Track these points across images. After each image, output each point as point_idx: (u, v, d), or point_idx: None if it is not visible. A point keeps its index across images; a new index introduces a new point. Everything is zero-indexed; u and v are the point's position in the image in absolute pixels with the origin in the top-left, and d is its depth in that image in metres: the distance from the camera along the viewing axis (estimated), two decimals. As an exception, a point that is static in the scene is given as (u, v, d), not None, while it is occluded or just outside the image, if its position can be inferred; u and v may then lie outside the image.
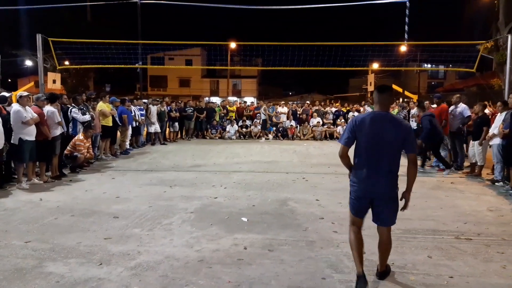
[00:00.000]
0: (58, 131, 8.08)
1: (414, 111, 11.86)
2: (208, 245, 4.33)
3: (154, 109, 14.02)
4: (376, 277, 3.56)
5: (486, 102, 9.85)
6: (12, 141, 7.14)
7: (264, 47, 14.61)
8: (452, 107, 9.60)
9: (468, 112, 9.17)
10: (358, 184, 3.41)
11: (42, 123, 7.50)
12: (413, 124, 11.78)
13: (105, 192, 6.81)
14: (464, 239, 4.59)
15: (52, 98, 8.21)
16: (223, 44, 17.35)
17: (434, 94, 10.43)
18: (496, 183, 7.72)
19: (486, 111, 8.99)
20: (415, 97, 21.63)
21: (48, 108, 7.93)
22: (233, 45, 22.53)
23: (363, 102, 19.05)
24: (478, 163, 8.57)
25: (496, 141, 7.73)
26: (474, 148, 8.57)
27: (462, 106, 9.40)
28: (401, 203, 3.46)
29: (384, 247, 3.51)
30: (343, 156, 3.47)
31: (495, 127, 7.83)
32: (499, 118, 7.82)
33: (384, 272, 3.57)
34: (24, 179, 7.29)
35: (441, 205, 6.17)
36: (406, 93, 24.77)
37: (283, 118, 17.72)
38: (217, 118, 17.25)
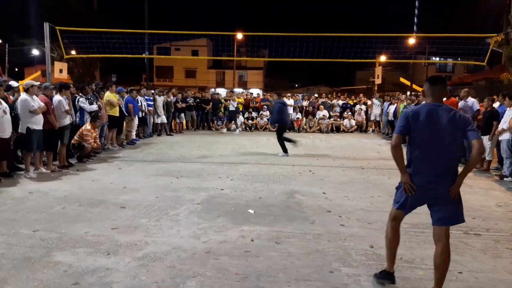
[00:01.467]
0: (67, 120, 8.10)
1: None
2: (215, 236, 4.33)
3: (160, 99, 14.01)
4: None
5: (495, 97, 9.73)
6: (19, 130, 7.17)
7: (271, 38, 14.50)
8: (461, 102, 9.48)
9: (477, 106, 9.05)
10: (416, 178, 3.11)
11: (49, 112, 7.51)
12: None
13: (112, 182, 6.83)
14: (473, 235, 4.55)
15: (61, 87, 8.21)
16: (229, 34, 17.25)
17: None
18: (505, 179, 7.65)
19: (495, 105, 8.88)
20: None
21: (56, 97, 7.95)
22: (239, 35, 22.36)
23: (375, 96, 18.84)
24: (487, 158, 8.49)
25: (506, 136, 7.64)
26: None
27: (471, 100, 9.27)
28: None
29: (443, 256, 3.17)
30: (397, 146, 3.11)
31: (505, 122, 7.74)
32: (509, 113, 7.72)
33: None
34: (31, 168, 7.32)
35: (449, 199, 6.11)
36: (414, 86, 24.56)
37: (290, 110, 17.64)
38: (222, 109, 17.22)
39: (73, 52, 19.78)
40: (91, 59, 26.57)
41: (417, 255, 3.93)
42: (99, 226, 4.61)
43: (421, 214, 5.16)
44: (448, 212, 3.15)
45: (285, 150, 10.32)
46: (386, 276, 3.30)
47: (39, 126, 7.26)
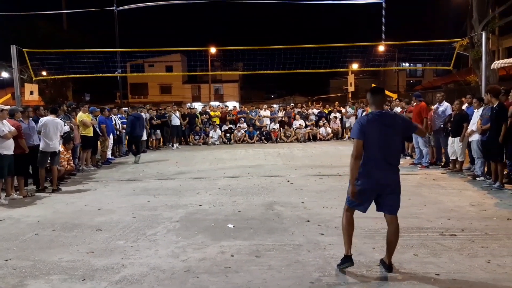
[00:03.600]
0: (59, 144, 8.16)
1: (395, 109, 12.01)
2: (194, 254, 4.27)
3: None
4: (386, 271, 3.65)
5: (464, 99, 10.05)
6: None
7: (244, 51, 14.61)
8: (436, 105, 9.72)
9: (450, 111, 9.28)
10: (367, 178, 3.53)
11: (20, 137, 7.31)
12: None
13: (87, 204, 6.67)
14: (448, 236, 4.64)
15: (54, 109, 8.40)
16: (203, 49, 17.28)
17: (414, 93, 10.60)
18: (477, 178, 7.87)
19: (464, 107, 9.15)
20: (395, 96, 21.92)
21: (57, 120, 8.10)
22: (213, 50, 22.44)
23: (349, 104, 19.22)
24: (459, 159, 8.72)
25: (475, 137, 7.88)
26: (454, 144, 8.71)
27: (445, 105, 9.51)
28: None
29: (395, 235, 3.65)
30: (358, 157, 3.53)
31: (473, 123, 7.98)
32: (477, 114, 7.98)
33: (390, 266, 3.67)
34: (2, 194, 7.08)
35: (425, 202, 6.24)
36: (386, 92, 25.10)
37: (266, 121, 17.75)
38: (199, 124, 17.15)
39: (44, 73, 19.40)
40: (62, 79, 26.10)
41: (395, 259, 3.93)
42: (74, 250, 4.48)
43: (398, 218, 5.25)
44: (394, 203, 3.64)
45: (135, 153, 11.74)
46: (346, 260, 3.66)
47: (10, 151, 7.05)
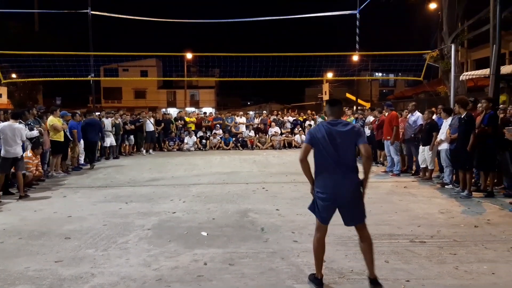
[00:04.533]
0: (21, 149, 7.70)
1: (368, 118, 12.26)
2: (166, 262, 4.20)
3: (108, 122, 13.57)
4: (371, 286, 3.49)
5: (434, 109, 10.37)
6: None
7: (220, 58, 14.64)
8: (409, 115, 9.94)
9: (420, 121, 9.50)
10: (325, 190, 3.54)
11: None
12: (367, 131, 12.19)
13: (56, 212, 6.46)
14: (418, 242, 4.75)
15: (16, 114, 8.01)
16: (179, 55, 17.18)
17: (385, 103, 10.87)
18: (446, 186, 8.10)
19: (434, 117, 9.43)
20: (367, 105, 22.44)
21: (16, 125, 7.66)
22: (189, 55, 22.34)
23: (318, 114, 19.44)
24: (429, 167, 8.96)
25: (444, 146, 8.12)
26: (424, 153, 8.96)
27: (416, 115, 9.73)
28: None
29: (368, 244, 3.61)
30: (303, 159, 3.57)
31: (442, 132, 8.23)
32: (445, 124, 8.23)
33: (377, 279, 3.51)
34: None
35: (396, 209, 6.37)
36: (360, 101, 25.63)
37: (242, 128, 17.76)
38: (174, 129, 16.99)
39: (14, 75, 18.81)
40: (32, 82, 25.38)
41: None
42: (41, 259, 4.32)
43: (370, 225, 5.28)
44: (356, 213, 3.61)
45: (90, 160, 11.84)
46: (316, 282, 3.59)
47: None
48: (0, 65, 12.67)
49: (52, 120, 10.06)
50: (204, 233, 5.18)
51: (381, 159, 11.53)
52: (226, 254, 4.42)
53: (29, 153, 8.45)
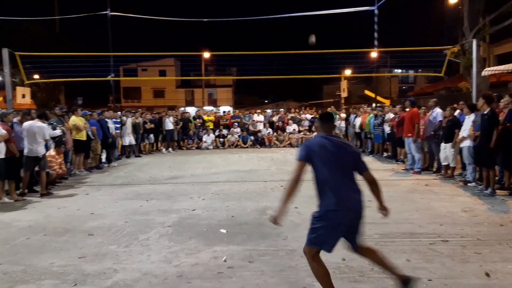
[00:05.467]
0: (44, 148, 7.90)
1: (388, 115, 12.10)
2: (187, 259, 4.25)
3: (129, 121, 13.78)
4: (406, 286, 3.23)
5: (456, 105, 10.15)
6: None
7: (238, 56, 14.67)
8: (430, 112, 9.78)
9: (440, 117, 9.36)
10: (337, 207, 3.12)
11: (9, 140, 7.24)
12: (387, 129, 12.04)
13: (79, 209, 6.61)
14: (440, 241, 4.67)
15: (42, 114, 8.19)
16: (196, 54, 17.30)
17: (408, 99, 10.67)
18: (469, 184, 7.93)
19: (456, 113, 9.24)
20: (387, 102, 22.12)
21: (39, 124, 7.81)
22: (207, 55, 22.47)
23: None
24: (451, 165, 8.79)
25: (467, 143, 7.95)
26: (446, 150, 8.79)
27: (436, 111, 9.59)
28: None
29: (376, 253, 3.33)
30: (298, 179, 3.25)
31: (465, 129, 8.06)
32: (468, 120, 8.06)
33: (404, 275, 3.25)
34: (-8, 198, 7.00)
35: (417, 207, 6.28)
36: (379, 98, 25.29)
37: (260, 126, 17.77)
38: (192, 128, 17.12)
39: (37, 76, 19.27)
40: (54, 83, 25.96)
41: (388, 265, 3.97)
42: (65, 255, 4.43)
43: (391, 224, 5.30)
44: (359, 231, 3.31)
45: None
46: None
47: (1, 155, 6.99)
48: (23, 66, 12.97)
49: (74, 119, 10.28)
50: (224, 231, 5.21)
51: (401, 157, 11.37)
52: (245, 251, 4.44)
53: (52, 151, 8.65)
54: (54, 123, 9.11)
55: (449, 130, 8.65)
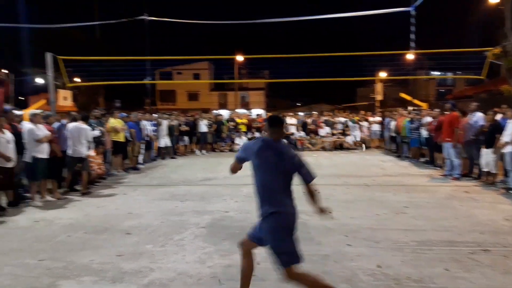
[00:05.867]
0: (85, 150, 8.25)
1: (425, 119, 11.77)
2: (220, 260, 4.30)
3: (165, 123, 14.11)
4: None
5: (497, 109, 9.74)
6: (26, 159, 7.23)
7: (271, 59, 14.69)
8: (469, 116, 9.44)
9: (481, 122, 9.01)
10: (277, 208, 3.15)
11: (52, 141, 7.59)
12: (424, 133, 11.70)
13: (117, 208, 6.83)
14: (481, 250, 4.50)
15: (85, 117, 8.54)
16: (230, 58, 17.51)
17: (448, 102, 10.31)
18: (511, 191, 7.59)
19: (498, 117, 8.87)
20: (424, 105, 21.49)
21: (82, 126, 8.17)
22: (240, 58, 22.67)
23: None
24: (492, 171, 8.45)
25: (509, 148, 7.62)
26: (487, 156, 8.45)
27: (477, 115, 9.24)
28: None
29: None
30: (234, 169, 3.52)
31: (507, 134, 7.73)
32: (510, 125, 7.72)
33: None
34: (37, 196, 7.35)
35: (456, 215, 6.07)
36: (415, 101, 24.61)
37: (292, 129, 17.71)
38: (225, 131, 17.30)
39: (77, 79, 20.06)
40: (94, 86, 26.94)
41: (425, 273, 3.87)
42: (104, 253, 4.59)
43: (428, 231, 5.17)
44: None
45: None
46: None
47: (45, 155, 7.34)
48: (65, 70, 13.55)
49: (112, 121, 10.64)
50: (257, 233, 5.23)
51: (439, 162, 11.02)
52: (278, 254, 4.44)
53: (92, 152, 8.98)
54: (94, 125, 9.46)
55: (491, 135, 8.32)
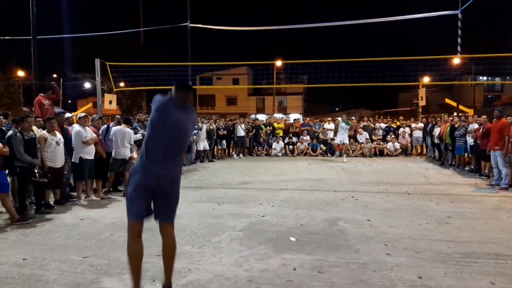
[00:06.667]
0: (130, 151, 8.60)
1: (471, 126, 11.29)
2: (256, 264, 4.32)
3: (204, 127, 14.40)
4: None
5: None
6: (73, 160, 7.60)
7: (309, 64, 14.64)
8: None
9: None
10: (145, 172, 3.26)
11: (97, 143, 7.94)
12: (470, 140, 11.22)
13: (157, 209, 7.00)
14: (532, 265, 4.25)
15: (127, 120, 8.82)
16: (269, 63, 17.63)
17: (496, 108, 9.82)
18: None
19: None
20: (470, 111, 20.61)
21: (126, 129, 8.49)
22: (278, 63, 22.72)
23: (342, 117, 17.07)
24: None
25: None
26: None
27: None
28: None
29: (170, 249, 3.49)
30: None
31: None
32: None
33: (171, 286, 3.45)
34: (83, 195, 7.69)
35: (503, 227, 5.76)
36: (461, 107, 23.65)
37: (330, 134, 17.51)
38: (263, 135, 17.38)
39: (122, 84, 20.86)
40: (138, 90, 27.91)
41: (469, 286, 3.70)
42: (145, 252, 4.65)
43: (473, 243, 4.94)
44: (170, 206, 3.50)
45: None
46: None
47: (91, 156, 7.67)
48: (111, 75, 14.13)
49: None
50: (293, 239, 5.22)
51: (485, 171, 10.51)
52: (315, 261, 4.40)
53: (135, 154, 9.29)
54: (137, 128, 9.79)
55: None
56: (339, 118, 16.02)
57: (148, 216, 3.41)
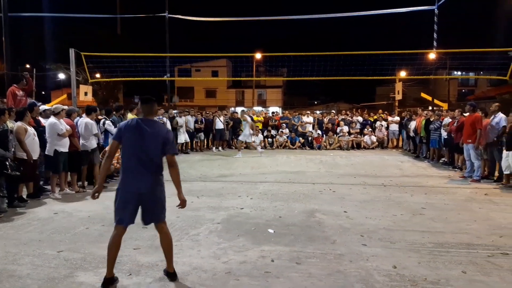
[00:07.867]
0: (95, 142, 8.36)
1: (446, 120, 11.56)
2: (235, 256, 4.32)
3: (181, 120, 14.24)
4: (168, 279, 3.72)
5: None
6: (46, 153, 7.40)
7: (289, 57, 14.66)
8: (491, 117, 9.24)
9: (503, 123, 8.81)
10: (125, 186, 3.58)
11: (73, 135, 7.75)
12: (444, 134, 11.50)
13: (134, 202, 6.92)
14: (500, 254, 4.40)
15: (90, 110, 8.57)
16: (248, 55, 17.56)
17: (468, 103, 10.09)
18: (534, 195, 7.40)
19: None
20: (445, 106, 21.12)
21: (86, 120, 8.21)
22: (258, 56, 22.64)
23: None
24: (514, 174, 8.24)
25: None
26: (508, 158, 8.25)
27: (499, 116, 9.03)
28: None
29: (167, 242, 3.76)
30: (110, 154, 3.73)
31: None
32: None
33: (174, 274, 3.73)
34: (57, 189, 7.51)
35: (475, 217, 5.95)
36: (436, 101, 24.19)
37: (309, 127, 17.64)
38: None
39: (98, 75, 20.41)
40: (114, 81, 27.34)
41: (442, 275, 3.81)
42: (121, 246, 4.63)
43: (446, 234, 5.09)
44: (157, 210, 3.77)
45: None
46: (106, 282, 3.57)
47: (66, 149, 7.49)
48: (87, 65, 13.78)
49: (130, 117, 10.78)
50: (271, 231, 5.25)
51: (459, 164, 10.81)
52: (293, 252, 4.45)
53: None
54: (114, 121, 9.60)
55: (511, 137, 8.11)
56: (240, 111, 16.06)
57: (130, 223, 3.71)
